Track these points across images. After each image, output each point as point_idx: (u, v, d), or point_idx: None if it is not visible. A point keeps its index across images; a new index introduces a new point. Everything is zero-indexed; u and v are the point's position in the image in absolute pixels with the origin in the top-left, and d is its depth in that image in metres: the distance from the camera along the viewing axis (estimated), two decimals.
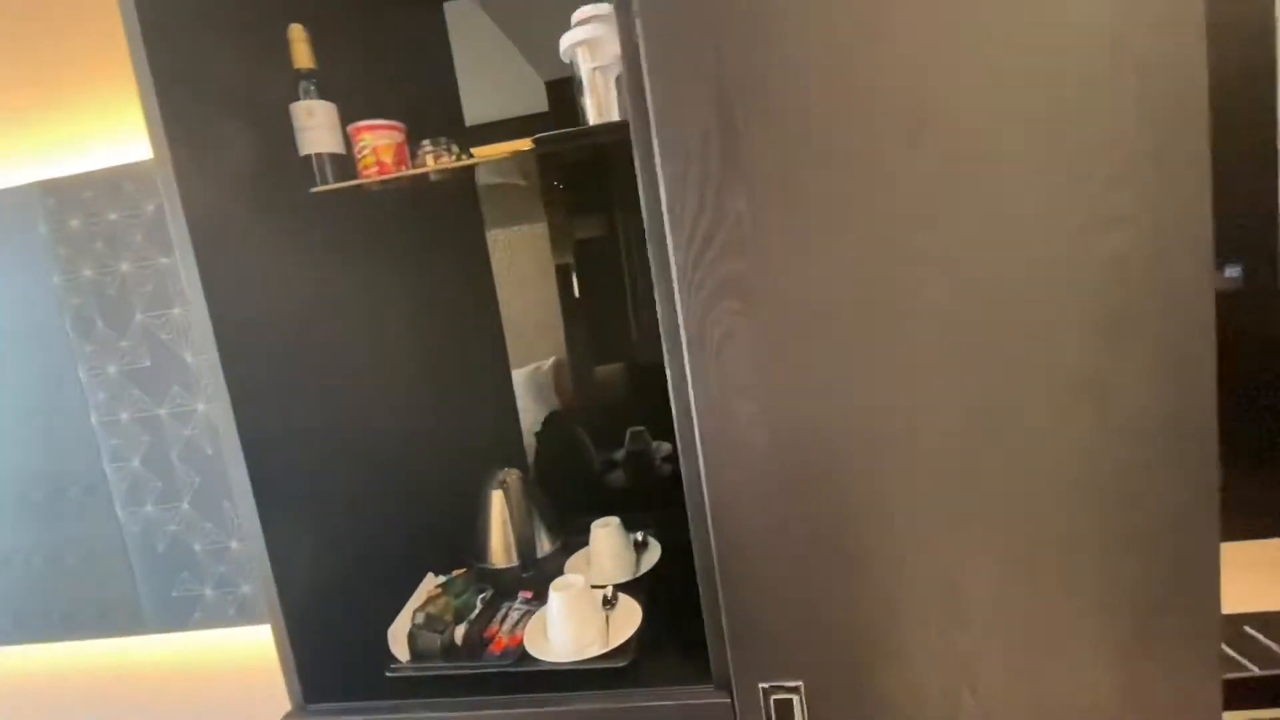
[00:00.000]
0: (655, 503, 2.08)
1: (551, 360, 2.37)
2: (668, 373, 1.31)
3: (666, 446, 2.24)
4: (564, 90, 2.55)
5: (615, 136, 1.40)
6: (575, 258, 2.32)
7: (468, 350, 2.23)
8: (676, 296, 1.27)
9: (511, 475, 1.93)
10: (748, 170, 1.22)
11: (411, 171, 1.58)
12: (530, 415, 2.42)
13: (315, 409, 1.61)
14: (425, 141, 1.60)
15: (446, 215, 2.19)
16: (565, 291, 2.38)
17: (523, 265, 2.41)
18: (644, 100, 1.24)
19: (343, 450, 1.69)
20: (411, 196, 1.97)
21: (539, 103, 2.33)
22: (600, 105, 1.45)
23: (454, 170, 1.59)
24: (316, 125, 1.60)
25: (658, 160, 1.25)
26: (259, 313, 1.50)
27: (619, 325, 2.37)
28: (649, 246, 1.28)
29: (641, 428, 2.24)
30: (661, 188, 1.25)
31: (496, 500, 1.90)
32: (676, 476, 1.35)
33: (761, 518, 1.30)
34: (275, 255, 1.57)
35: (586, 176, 2.22)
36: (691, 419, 1.30)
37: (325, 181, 1.61)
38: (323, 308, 1.68)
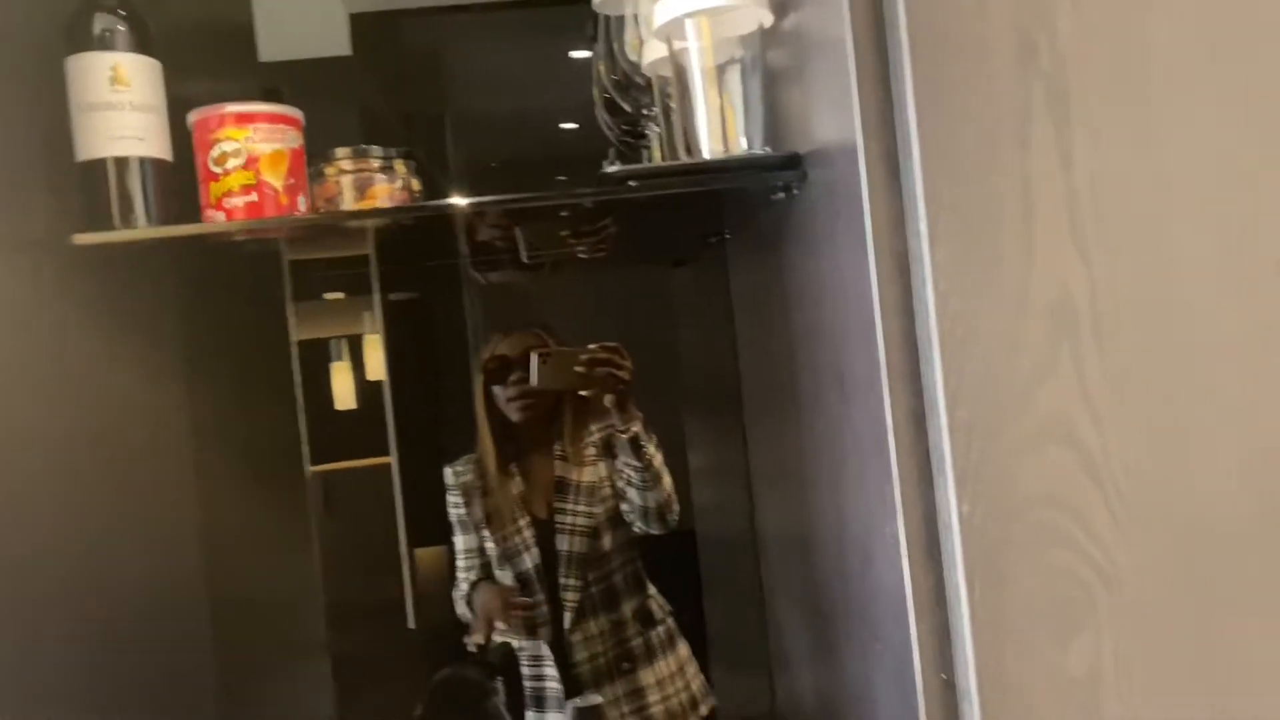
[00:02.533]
0: None
1: None
2: None
3: None
4: (374, 28, 2.06)
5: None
6: None
7: None
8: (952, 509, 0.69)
9: None
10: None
11: (343, 214, 0.85)
12: None
13: None
14: (340, 150, 0.89)
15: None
16: None
17: None
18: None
19: None
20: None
21: (338, 43, 1.79)
22: (722, 126, 0.81)
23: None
24: (126, 104, 0.83)
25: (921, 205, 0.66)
26: None
27: None
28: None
29: None
30: (924, 246, 0.67)
31: None
32: None
33: None
34: None
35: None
36: None
37: (130, 217, 0.85)
38: None
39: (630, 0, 1.05)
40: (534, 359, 1.49)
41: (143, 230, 0.86)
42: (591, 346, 1.51)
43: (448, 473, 1.74)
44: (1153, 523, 0.69)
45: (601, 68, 1.15)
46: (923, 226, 0.68)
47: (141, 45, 0.88)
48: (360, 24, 2.36)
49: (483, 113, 4.03)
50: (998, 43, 0.68)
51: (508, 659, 1.61)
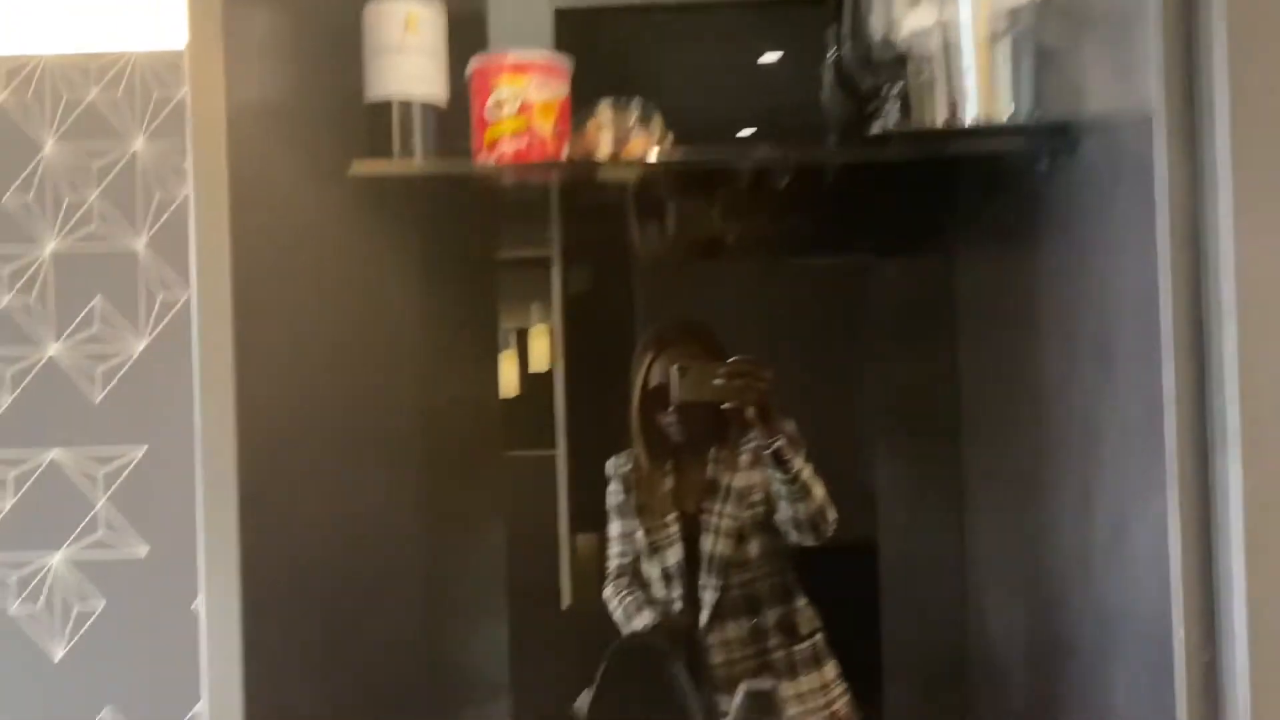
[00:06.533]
0: None
1: None
2: None
3: None
4: (577, 24, 2.00)
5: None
6: None
7: None
8: None
9: None
10: None
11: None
12: None
13: None
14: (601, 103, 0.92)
15: None
16: None
17: None
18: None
19: None
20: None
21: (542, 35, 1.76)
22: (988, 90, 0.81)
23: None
24: (415, 48, 0.88)
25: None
26: None
27: None
28: None
29: None
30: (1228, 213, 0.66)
31: None
32: None
33: None
34: None
35: None
36: None
37: (410, 151, 0.89)
38: None
39: None
40: (673, 373, 1.54)
41: (418, 164, 0.92)
42: (731, 360, 1.55)
43: (609, 464, 1.81)
44: None
45: (848, 44, 1.15)
46: (1225, 193, 0.66)
47: None
48: (563, 19, 2.46)
49: (666, 111, 4.13)
50: None
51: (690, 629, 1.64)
